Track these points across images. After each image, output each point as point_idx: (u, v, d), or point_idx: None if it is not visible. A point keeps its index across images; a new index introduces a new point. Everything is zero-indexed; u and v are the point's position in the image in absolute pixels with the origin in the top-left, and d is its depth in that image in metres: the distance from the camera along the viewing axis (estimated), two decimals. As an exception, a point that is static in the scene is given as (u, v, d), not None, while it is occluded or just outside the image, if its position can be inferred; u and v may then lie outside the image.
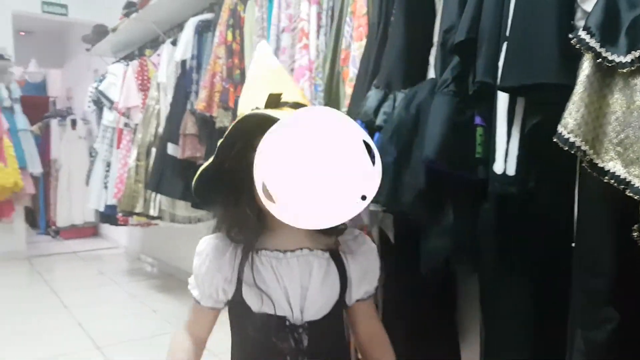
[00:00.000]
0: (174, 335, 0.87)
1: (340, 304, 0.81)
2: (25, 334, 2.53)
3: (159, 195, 2.70)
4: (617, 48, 0.83)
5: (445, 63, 1.11)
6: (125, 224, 3.33)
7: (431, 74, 1.20)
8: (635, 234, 0.80)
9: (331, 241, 0.79)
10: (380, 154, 1.14)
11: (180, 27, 2.77)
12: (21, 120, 4.48)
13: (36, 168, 4.61)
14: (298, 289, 0.75)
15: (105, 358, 2.17)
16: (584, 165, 0.83)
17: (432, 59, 1.21)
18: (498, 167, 1.00)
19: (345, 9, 1.46)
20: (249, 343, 0.79)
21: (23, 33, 6.05)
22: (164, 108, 2.68)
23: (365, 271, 0.80)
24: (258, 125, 0.68)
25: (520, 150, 0.97)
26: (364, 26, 1.38)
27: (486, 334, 1.11)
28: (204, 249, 0.81)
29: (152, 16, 2.90)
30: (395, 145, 1.13)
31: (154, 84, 2.81)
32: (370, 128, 1.20)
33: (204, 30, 2.34)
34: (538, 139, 0.93)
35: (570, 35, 0.85)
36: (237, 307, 0.79)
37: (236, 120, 0.73)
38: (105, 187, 3.41)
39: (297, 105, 0.74)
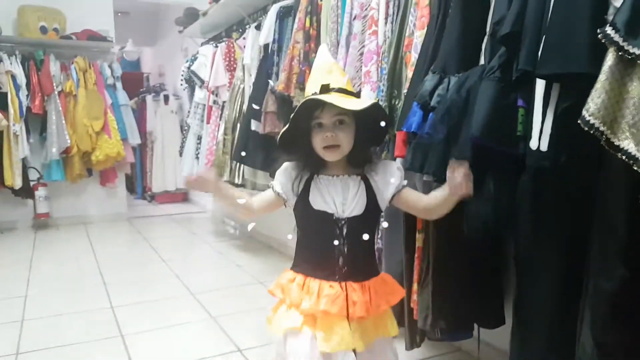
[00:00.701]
0: None
1: (371, 209, 1.17)
2: (132, 282, 2.98)
3: (242, 166, 3.01)
4: (639, 42, 0.95)
5: (494, 51, 1.27)
6: (214, 190, 3.69)
7: (482, 61, 1.35)
8: (642, 201, 0.95)
9: (361, 170, 1.18)
10: (431, 132, 1.33)
11: (263, 10, 3.03)
12: (122, 96, 4.98)
13: (135, 139, 5.12)
14: (340, 198, 1.15)
15: (198, 303, 2.55)
16: (602, 143, 0.98)
17: (484, 47, 1.36)
18: (533, 144, 1.15)
19: (410, 0, 1.63)
20: (309, 231, 1.20)
21: (120, 13, 6.59)
22: (248, 87, 2.96)
23: (387, 177, 1.18)
24: (315, 104, 1.10)
25: (553, 130, 1.12)
26: (426, 16, 1.54)
27: (518, 289, 1.27)
28: (287, 165, 1.23)
29: (238, 1, 3.17)
30: (447, 123, 1.31)
31: (239, 65, 3.10)
32: (425, 109, 1.38)
33: (285, 15, 2.57)
34: (569, 120, 1.06)
35: (598, 31, 0.98)
36: (304, 207, 1.18)
37: (300, 103, 1.11)
38: (197, 158, 3.78)
39: (341, 90, 1.12)
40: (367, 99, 1.12)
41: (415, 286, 1.68)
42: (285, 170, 1.22)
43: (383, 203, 1.20)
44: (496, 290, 1.55)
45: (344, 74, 1.21)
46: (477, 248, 1.44)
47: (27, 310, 2.58)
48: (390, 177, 1.18)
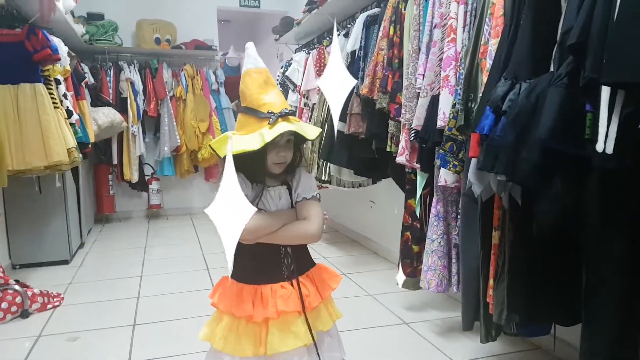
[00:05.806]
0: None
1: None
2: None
3: (328, 163, 3.19)
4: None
5: (562, 59, 1.33)
6: (304, 186, 3.94)
7: (552, 68, 1.42)
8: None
9: (287, 179, 1.33)
10: (502, 134, 1.42)
11: (351, 18, 3.21)
12: (224, 100, 5.42)
13: (235, 139, 5.54)
14: (276, 206, 1.30)
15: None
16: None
17: (554, 55, 1.42)
18: (599, 147, 1.21)
19: (485, 10, 1.71)
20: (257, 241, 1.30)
21: (222, 22, 7.09)
22: (337, 90, 3.14)
23: (298, 185, 1.32)
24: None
25: (618, 133, 1.17)
26: (500, 26, 1.62)
27: (586, 285, 1.33)
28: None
29: (329, 10, 3.38)
30: (516, 127, 1.39)
31: (329, 70, 3.30)
32: (497, 113, 1.47)
33: (371, 23, 2.72)
34: (633, 124, 1.12)
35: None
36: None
37: (274, 136, 1.18)
38: (289, 156, 4.04)
39: (290, 113, 1.24)
40: (314, 127, 1.31)
41: (491, 281, 1.75)
42: (241, 181, 1.22)
43: (294, 203, 1.34)
44: (572, 287, 1.57)
45: (275, 86, 1.33)
46: (551, 246, 1.48)
47: (142, 288, 2.98)
48: (298, 187, 1.32)
